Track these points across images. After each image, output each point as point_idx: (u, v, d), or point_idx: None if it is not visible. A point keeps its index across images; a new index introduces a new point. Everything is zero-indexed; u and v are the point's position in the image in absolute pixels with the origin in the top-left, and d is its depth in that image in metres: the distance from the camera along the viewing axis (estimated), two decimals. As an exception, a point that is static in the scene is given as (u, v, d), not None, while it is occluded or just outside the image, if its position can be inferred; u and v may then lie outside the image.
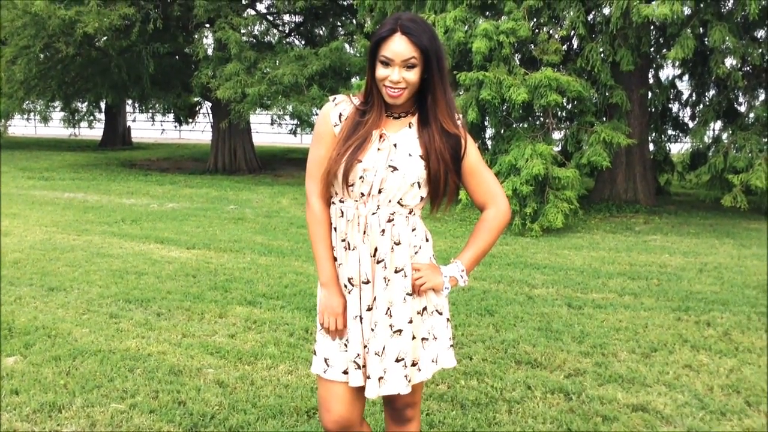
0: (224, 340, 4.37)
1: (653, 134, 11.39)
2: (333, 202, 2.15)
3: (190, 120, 20.65)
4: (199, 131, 22.47)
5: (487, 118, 9.55)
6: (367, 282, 2.09)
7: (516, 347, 4.28)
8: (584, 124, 9.19)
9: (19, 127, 28.55)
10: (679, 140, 12.02)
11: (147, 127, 24.98)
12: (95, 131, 23.60)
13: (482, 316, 4.90)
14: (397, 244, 2.08)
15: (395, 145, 2.07)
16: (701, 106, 11.34)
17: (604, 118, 9.61)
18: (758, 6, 7.73)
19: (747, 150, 8.93)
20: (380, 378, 2.09)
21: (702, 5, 8.37)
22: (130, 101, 20.25)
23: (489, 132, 10.47)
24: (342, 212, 2.11)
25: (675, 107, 11.85)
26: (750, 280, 5.95)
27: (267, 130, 22.87)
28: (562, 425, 3.26)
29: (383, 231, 2.07)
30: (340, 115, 2.13)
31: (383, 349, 2.08)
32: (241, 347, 4.23)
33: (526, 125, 9.47)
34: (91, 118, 19.98)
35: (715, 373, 3.90)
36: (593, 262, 6.67)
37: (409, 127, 2.11)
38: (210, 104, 16.73)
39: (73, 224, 8.50)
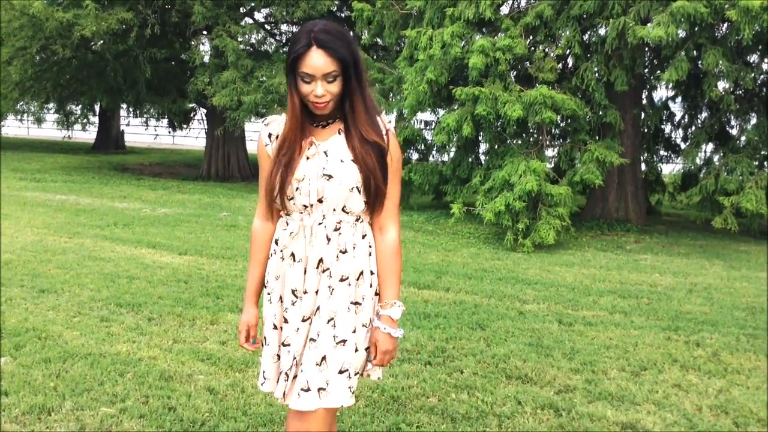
0: (215, 347, 4.36)
1: (645, 154, 11.48)
2: (281, 216, 2.16)
3: (185, 126, 20.64)
4: (193, 137, 22.43)
5: (481, 133, 9.61)
6: (305, 292, 2.08)
7: (507, 362, 4.29)
8: (578, 142, 9.26)
9: (12, 128, 28.46)
10: (671, 161, 12.14)
11: (140, 131, 24.95)
12: (88, 134, 23.58)
13: (473, 330, 4.92)
14: (343, 252, 2.08)
15: (326, 153, 2.07)
16: (693, 128, 11.45)
17: (598, 137, 9.69)
18: (752, 31, 7.83)
19: (738, 172, 9.02)
20: (321, 389, 2.05)
21: (696, 29, 8.46)
22: (124, 105, 20.23)
23: (483, 147, 10.54)
24: (287, 224, 2.12)
25: (668, 128, 11.95)
26: (739, 302, 6.00)
27: (261, 139, 22.83)
28: (551, 441, 3.27)
29: (329, 240, 2.06)
30: (270, 134, 2.14)
31: (323, 359, 2.05)
32: (232, 354, 4.23)
33: (520, 141, 9.54)
34: (85, 120, 19.95)
35: (704, 393, 3.93)
36: (584, 280, 6.70)
37: (339, 133, 2.10)
38: (205, 111, 16.74)
39: (65, 227, 8.47)
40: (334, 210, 2.06)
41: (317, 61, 1.94)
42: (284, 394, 2.09)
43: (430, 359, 4.29)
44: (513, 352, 4.46)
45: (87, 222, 8.92)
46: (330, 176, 2.03)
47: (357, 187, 2.05)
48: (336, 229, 2.07)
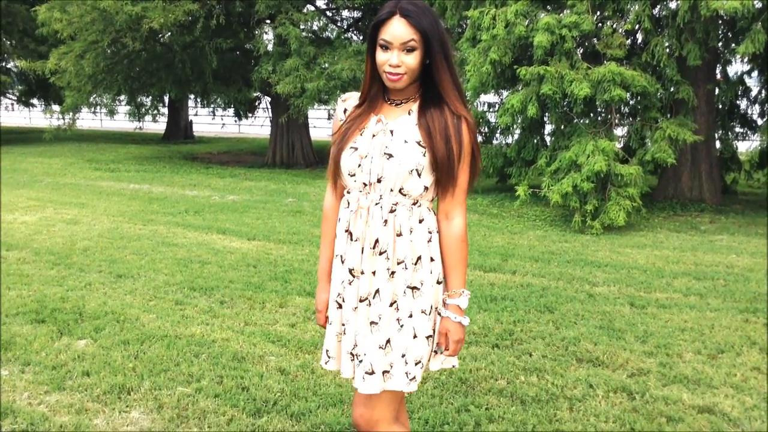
0: (285, 329, 4.44)
1: (720, 131, 11.04)
2: (344, 194, 2.15)
3: (250, 114, 20.96)
4: (258, 126, 22.78)
5: (547, 113, 9.42)
6: (362, 273, 2.06)
7: (577, 345, 4.23)
8: (649, 120, 8.98)
9: (87, 120, 29.43)
10: (747, 138, 11.63)
11: (208, 121, 25.47)
12: (159, 125, 24.20)
13: (542, 313, 4.86)
14: (399, 235, 2.03)
15: (392, 132, 2.03)
16: (771, 102, 10.95)
17: (669, 114, 9.37)
18: (836, -2, 7.42)
19: (820, 148, 8.59)
20: (385, 372, 2.03)
21: (775, -2, 8.07)
22: (192, 96, 20.66)
23: (549, 128, 10.34)
24: (348, 203, 2.10)
25: (743, 104, 11.45)
26: (823, 283, 5.73)
27: (324, 125, 23.06)
28: (625, 424, 3.21)
29: (386, 221, 2.03)
30: (345, 110, 2.15)
31: (387, 342, 2.03)
32: (301, 336, 4.30)
33: (587, 121, 9.31)
34: (155, 112, 20.45)
35: (786, 377, 3.78)
36: (657, 261, 6.52)
37: (409, 114, 2.06)
38: (269, 99, 16.96)
39: (139, 214, 8.76)
40: (392, 191, 2.02)
41: (397, 28, 1.94)
42: (353, 372, 2.10)
43: (498, 342, 4.26)
44: (583, 335, 4.39)
45: (160, 209, 9.19)
46: (390, 155, 2.01)
47: (417, 170, 2.00)
48: (391, 211, 2.03)
